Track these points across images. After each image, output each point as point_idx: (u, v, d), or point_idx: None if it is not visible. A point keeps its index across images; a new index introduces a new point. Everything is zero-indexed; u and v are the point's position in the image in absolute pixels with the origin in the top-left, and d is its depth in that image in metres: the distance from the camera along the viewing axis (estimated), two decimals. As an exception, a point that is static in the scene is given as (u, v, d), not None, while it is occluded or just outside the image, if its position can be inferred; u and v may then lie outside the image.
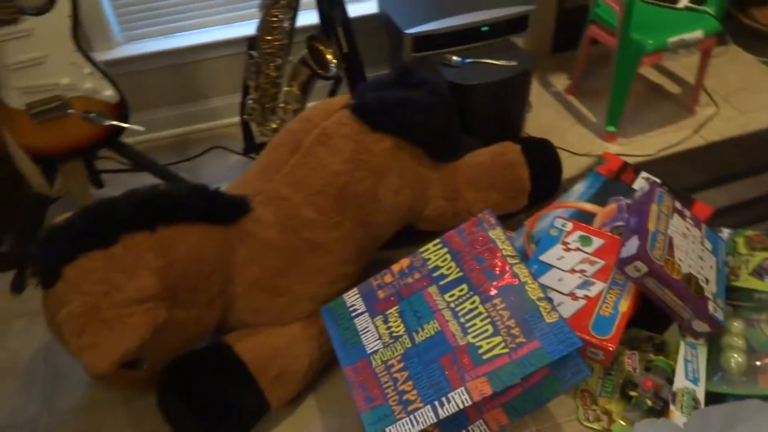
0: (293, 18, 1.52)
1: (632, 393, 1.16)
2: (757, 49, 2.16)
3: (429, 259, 1.20)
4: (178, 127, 1.97)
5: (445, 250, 1.20)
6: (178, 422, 1.14)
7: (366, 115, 1.25)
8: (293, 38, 1.54)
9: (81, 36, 1.38)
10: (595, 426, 1.17)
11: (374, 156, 1.24)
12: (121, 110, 1.47)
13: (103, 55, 1.76)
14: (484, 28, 1.55)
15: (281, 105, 1.60)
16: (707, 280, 1.21)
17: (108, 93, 1.44)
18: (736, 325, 1.22)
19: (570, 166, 1.72)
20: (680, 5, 1.77)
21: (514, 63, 1.50)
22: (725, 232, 1.40)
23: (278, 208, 1.20)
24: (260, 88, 1.59)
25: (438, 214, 1.37)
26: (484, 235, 1.18)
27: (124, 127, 1.48)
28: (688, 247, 1.25)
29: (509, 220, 1.51)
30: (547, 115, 1.93)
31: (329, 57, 1.55)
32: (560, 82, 2.07)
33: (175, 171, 1.73)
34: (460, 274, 1.15)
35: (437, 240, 1.22)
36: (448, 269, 1.17)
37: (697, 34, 1.66)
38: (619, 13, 1.61)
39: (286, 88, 1.59)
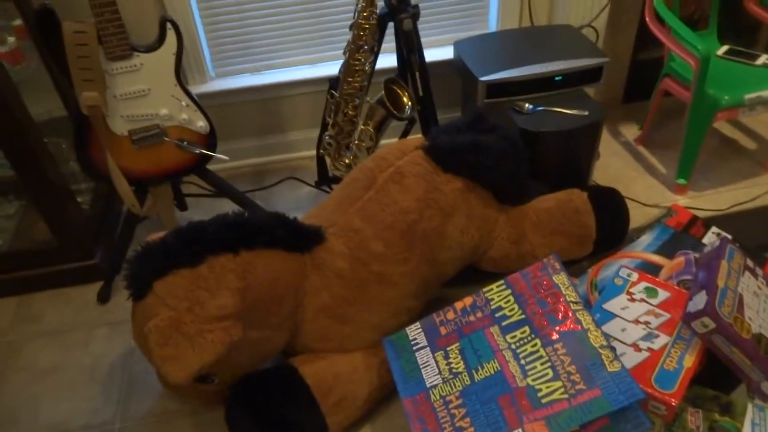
0: (374, 62, 1.61)
1: (695, 452, 1.14)
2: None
3: (492, 299, 1.23)
4: (258, 157, 2.10)
5: (509, 291, 1.23)
6: (241, 436, 1.20)
7: (438, 156, 1.31)
8: (372, 79, 1.63)
9: (181, 71, 1.52)
10: (654, 483, 1.15)
11: (444, 196, 1.29)
12: (210, 140, 1.59)
13: (197, 89, 1.92)
14: (558, 78, 1.59)
15: (356, 142, 1.69)
16: (779, 342, 1.18)
17: (201, 124, 1.56)
18: (810, 391, 1.18)
19: (637, 216, 1.72)
20: (759, 62, 1.76)
21: (585, 113, 1.53)
22: (800, 295, 1.36)
23: (350, 240, 1.26)
24: (337, 125, 1.68)
25: (502, 256, 1.40)
26: (549, 279, 1.20)
27: (211, 156, 1.60)
28: (760, 307, 1.23)
29: (573, 267, 1.52)
30: (615, 164, 1.94)
31: (405, 99, 1.63)
32: (630, 132, 2.07)
33: (252, 198, 1.83)
34: (523, 316, 1.17)
35: (501, 281, 1.25)
36: (510, 311, 1.19)
37: (776, 91, 1.65)
38: (695, 69, 1.62)
39: (361, 127, 1.68)
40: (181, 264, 1.13)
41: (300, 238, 1.24)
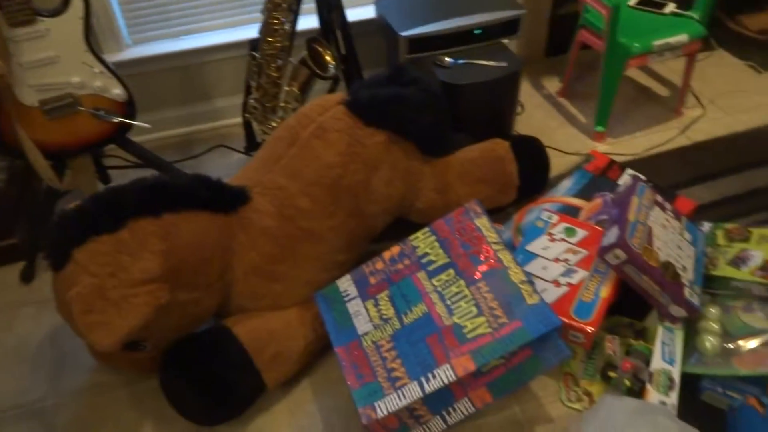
0: (294, 21, 1.59)
1: (612, 374, 1.22)
2: (744, 54, 2.23)
3: (418, 246, 1.26)
4: (184, 127, 2.05)
5: (434, 237, 1.26)
6: (178, 401, 1.20)
7: (360, 110, 1.32)
8: (294, 41, 1.62)
9: (92, 37, 1.46)
10: (577, 406, 1.23)
11: (367, 149, 1.30)
12: (128, 108, 1.54)
13: (112, 57, 1.84)
14: (477, 31, 1.62)
15: (282, 104, 1.67)
16: (684, 268, 1.27)
17: (116, 91, 1.51)
18: (713, 311, 1.27)
19: (559, 164, 1.79)
20: (666, 10, 1.84)
21: (504, 64, 1.57)
22: (706, 226, 1.46)
23: (276, 198, 1.27)
24: (262, 88, 1.66)
25: (429, 207, 1.43)
26: (471, 223, 1.24)
27: (131, 124, 1.55)
28: (667, 238, 1.31)
29: (499, 214, 1.58)
30: (538, 116, 2.00)
31: (328, 58, 1.62)
32: (552, 85, 2.14)
33: (181, 169, 1.80)
34: (448, 259, 1.21)
35: (426, 228, 1.28)
36: (436, 256, 1.23)
37: (682, 37, 1.73)
38: (607, 18, 1.68)
39: (286, 88, 1.66)
40: (100, 230, 1.11)
41: (224, 198, 1.23)
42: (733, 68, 2.19)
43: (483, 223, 1.24)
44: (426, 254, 1.24)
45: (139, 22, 1.88)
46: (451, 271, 1.19)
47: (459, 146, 1.53)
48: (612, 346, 1.27)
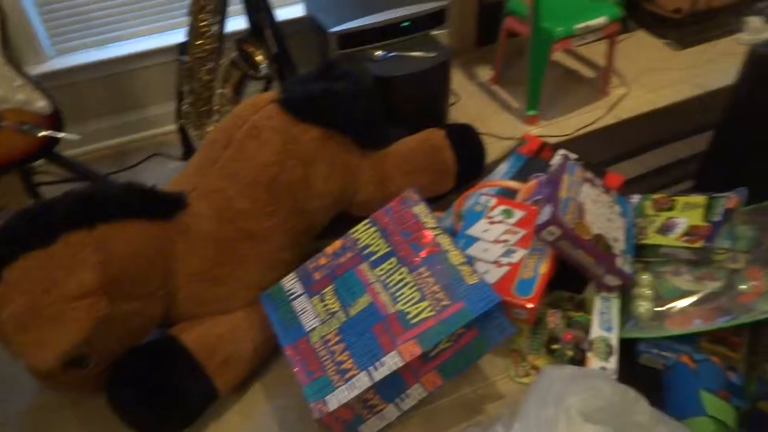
0: (221, 22, 1.58)
1: (555, 346, 1.27)
2: (662, 33, 2.34)
3: (360, 238, 1.28)
4: (117, 138, 2.00)
5: (374, 228, 1.28)
6: (128, 415, 1.17)
7: (292, 107, 1.32)
8: (223, 42, 1.60)
9: (10, 49, 1.41)
10: (526, 380, 1.27)
11: (302, 146, 1.31)
12: (55, 121, 1.50)
13: (34, 69, 1.78)
14: (405, 24, 1.64)
15: (216, 107, 1.65)
16: (616, 239, 1.33)
17: (40, 104, 1.46)
18: (645, 277, 1.34)
19: (495, 149, 1.83)
20: (585, -6, 1.91)
21: (433, 54, 1.60)
22: (635, 198, 1.53)
23: (213, 201, 1.25)
24: (194, 92, 1.64)
25: (369, 199, 1.45)
26: (409, 211, 1.27)
27: (58, 138, 1.51)
28: (598, 212, 1.37)
29: (440, 201, 1.61)
30: (472, 104, 2.04)
31: (259, 58, 1.62)
32: (485, 73, 2.19)
33: (116, 180, 1.75)
34: (389, 248, 1.23)
35: (366, 220, 1.30)
36: (377, 246, 1.25)
37: (601, 20, 1.80)
38: (529, 4, 1.74)
39: (219, 91, 1.65)
40: (31, 246, 1.08)
41: (160, 205, 1.21)
42: (652, 47, 2.30)
43: (421, 210, 1.26)
44: (367, 245, 1.26)
45: (61, 32, 1.82)
46: (393, 260, 1.21)
47: (395, 138, 1.55)
48: (554, 319, 1.32)
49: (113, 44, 1.88)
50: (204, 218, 1.24)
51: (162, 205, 1.21)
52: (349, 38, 1.63)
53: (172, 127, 2.01)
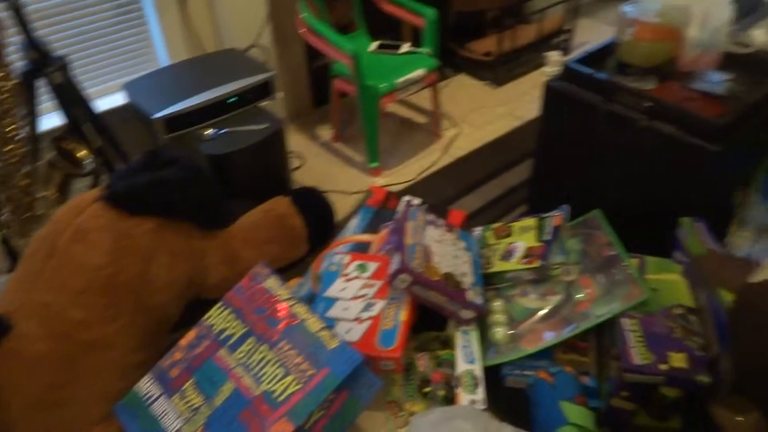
0: (32, 123, 1.49)
1: (426, 389, 1.29)
2: (479, 75, 2.57)
3: (214, 323, 1.23)
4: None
5: (228, 310, 1.24)
6: None
7: (119, 202, 1.26)
8: (38, 143, 1.51)
9: None
10: (405, 430, 1.27)
11: (137, 240, 1.25)
12: None
13: None
14: (232, 99, 1.65)
15: (40, 212, 1.54)
16: (464, 274, 1.40)
17: None
18: (497, 304, 1.42)
19: (345, 205, 1.88)
20: (402, 51, 2.05)
21: (264, 126, 1.62)
22: (477, 231, 1.63)
23: (43, 317, 1.15)
24: (12, 200, 1.51)
25: (221, 280, 1.41)
26: (260, 286, 1.24)
27: None
28: (444, 251, 1.43)
29: (298, 268, 1.60)
30: (318, 164, 2.09)
31: (81, 154, 1.54)
32: (326, 133, 2.26)
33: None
34: (245, 329, 1.20)
35: (219, 303, 1.25)
36: (233, 328, 1.21)
37: (420, 72, 1.94)
38: (351, 66, 1.83)
39: (43, 194, 1.54)
40: None
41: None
42: (474, 88, 2.51)
43: (272, 283, 1.25)
44: (223, 330, 1.21)
45: None
46: (251, 340, 1.18)
47: (241, 212, 1.53)
48: (423, 362, 1.35)
49: None
50: (34, 339, 1.13)
51: (-21, 337, 1.09)
52: (176, 121, 1.60)
53: (-4, 240, 1.84)
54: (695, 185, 1.36)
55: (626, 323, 1.21)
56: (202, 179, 1.36)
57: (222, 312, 1.24)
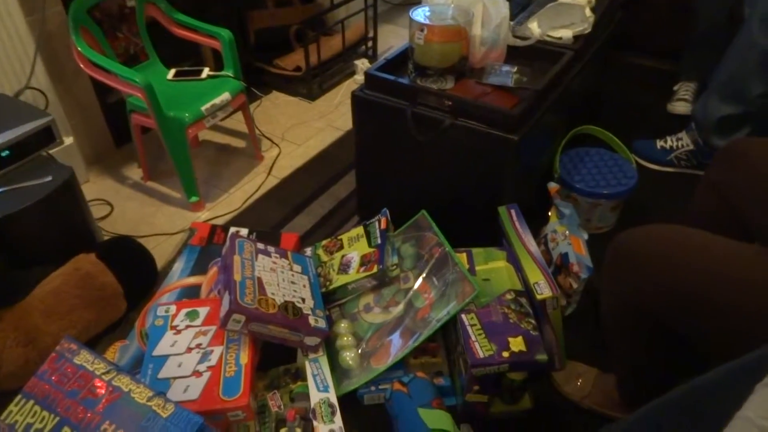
0: None
1: (283, 430, 1.21)
2: (293, 90, 2.52)
3: (16, 422, 1.03)
4: None
5: (32, 402, 1.05)
6: None
7: None
8: None
9: None
10: (268, 481, 1.18)
11: None
12: None
13: None
14: (4, 154, 1.41)
15: None
16: (303, 299, 1.34)
17: None
18: (343, 325, 1.38)
19: (168, 247, 1.72)
20: (203, 76, 1.93)
21: (49, 178, 1.41)
22: (309, 250, 1.58)
23: None
24: None
25: (22, 365, 1.20)
26: (70, 365, 1.07)
27: None
28: (279, 279, 1.36)
29: (119, 329, 1.42)
30: (132, 207, 1.89)
31: None
32: (135, 172, 2.05)
33: None
34: (57, 419, 1.02)
35: (18, 397, 1.05)
36: (42, 422, 1.02)
37: (225, 96, 1.84)
38: (145, 99, 1.67)
39: None
40: None
41: None
42: (289, 105, 2.46)
43: (84, 358, 1.08)
44: (29, 426, 1.02)
45: None
46: (67, 430, 1.01)
47: (39, 279, 1.32)
48: (275, 401, 1.26)
49: None
50: None
51: None
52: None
53: None
54: (504, 174, 1.44)
55: (465, 319, 1.24)
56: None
57: (24, 405, 1.04)
